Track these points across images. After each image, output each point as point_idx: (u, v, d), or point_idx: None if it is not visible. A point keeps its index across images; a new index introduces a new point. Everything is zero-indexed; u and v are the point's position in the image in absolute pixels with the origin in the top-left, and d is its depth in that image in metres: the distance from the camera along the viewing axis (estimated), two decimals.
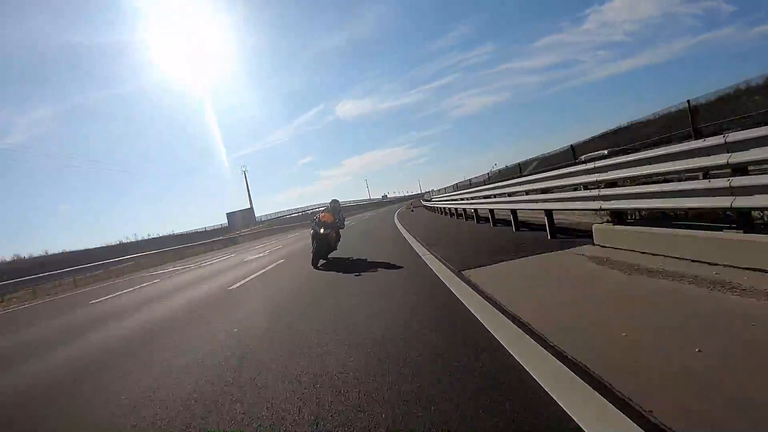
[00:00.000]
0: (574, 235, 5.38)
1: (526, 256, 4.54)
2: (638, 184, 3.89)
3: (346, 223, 9.78)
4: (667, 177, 3.60)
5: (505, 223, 8.09)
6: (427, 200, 28.63)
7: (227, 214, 40.96)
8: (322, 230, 7.65)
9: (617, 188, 4.09)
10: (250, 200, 49.79)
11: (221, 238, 31.35)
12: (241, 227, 36.88)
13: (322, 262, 7.44)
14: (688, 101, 10.34)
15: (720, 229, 3.02)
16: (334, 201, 8.49)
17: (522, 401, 1.61)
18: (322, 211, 8.31)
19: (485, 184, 11.60)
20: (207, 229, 38.71)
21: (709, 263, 2.93)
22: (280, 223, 38.03)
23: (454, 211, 14.02)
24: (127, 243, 29.61)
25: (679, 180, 3.47)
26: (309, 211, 49.71)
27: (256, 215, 43.21)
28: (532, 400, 1.60)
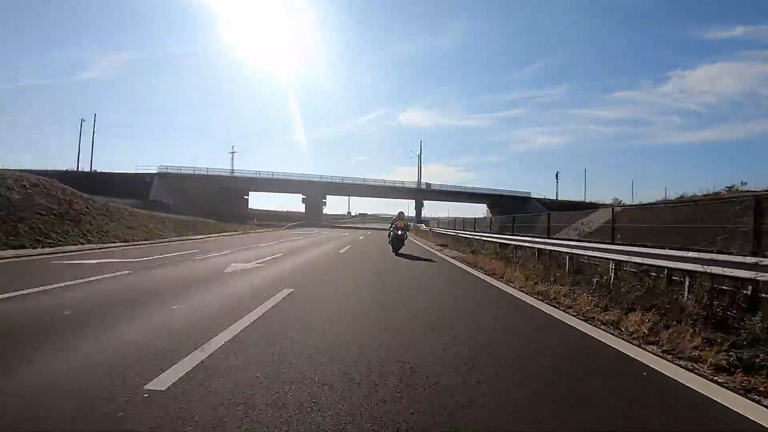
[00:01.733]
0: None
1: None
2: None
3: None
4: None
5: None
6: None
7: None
8: (399, 232, 12.15)
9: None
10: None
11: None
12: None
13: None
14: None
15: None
16: (401, 213, 12.85)
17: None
18: (396, 220, 12.46)
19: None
20: None
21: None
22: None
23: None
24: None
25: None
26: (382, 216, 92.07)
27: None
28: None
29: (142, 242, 13.49)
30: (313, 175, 56.58)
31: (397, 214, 12.95)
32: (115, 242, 12.29)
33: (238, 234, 23.62)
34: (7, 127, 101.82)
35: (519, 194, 56.89)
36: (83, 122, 48.28)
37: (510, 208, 41.73)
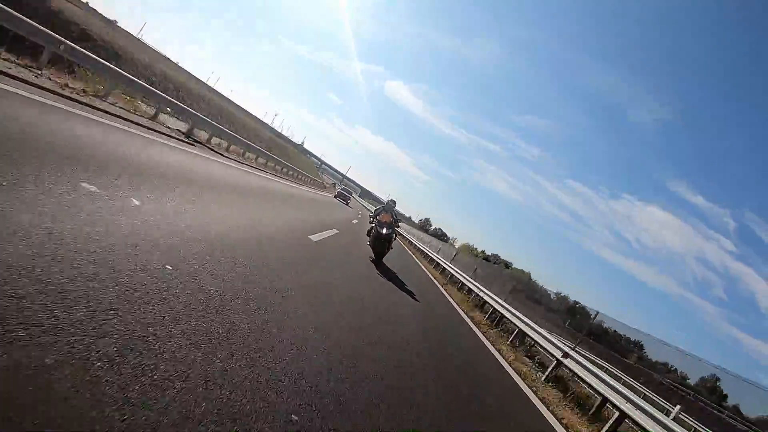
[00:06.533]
0: None
1: None
2: None
3: None
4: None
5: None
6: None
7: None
8: (384, 231, 7.87)
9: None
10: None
11: None
12: None
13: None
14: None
15: None
16: (392, 201, 8.57)
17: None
18: (381, 212, 8.22)
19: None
20: None
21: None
22: None
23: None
24: None
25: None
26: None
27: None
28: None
29: None
30: None
31: (386, 202, 8.79)
32: None
33: None
34: None
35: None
36: None
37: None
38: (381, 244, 8.04)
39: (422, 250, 26.00)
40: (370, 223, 8.53)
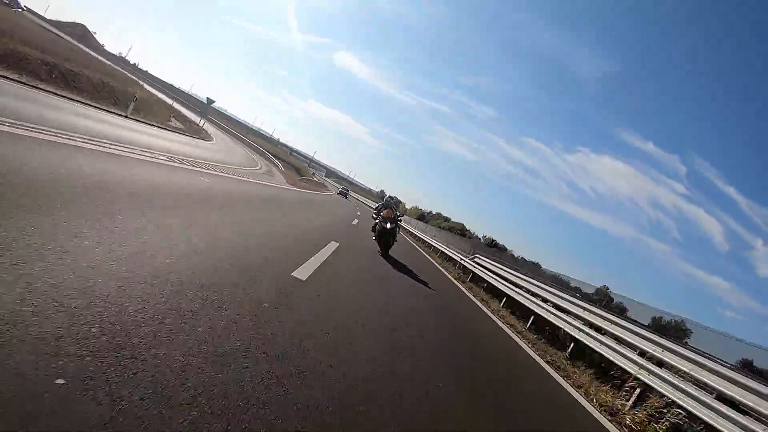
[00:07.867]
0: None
1: None
2: None
3: None
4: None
5: None
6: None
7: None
8: (388, 225, 8.80)
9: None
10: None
11: None
12: None
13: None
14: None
15: None
16: (391, 197, 10.07)
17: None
18: (383, 208, 9.15)
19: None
20: None
21: None
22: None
23: None
24: None
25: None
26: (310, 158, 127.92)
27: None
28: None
29: None
30: None
31: (385, 199, 10.15)
32: None
33: None
34: None
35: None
36: None
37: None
38: (386, 238, 9.03)
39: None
40: (374, 219, 9.68)
